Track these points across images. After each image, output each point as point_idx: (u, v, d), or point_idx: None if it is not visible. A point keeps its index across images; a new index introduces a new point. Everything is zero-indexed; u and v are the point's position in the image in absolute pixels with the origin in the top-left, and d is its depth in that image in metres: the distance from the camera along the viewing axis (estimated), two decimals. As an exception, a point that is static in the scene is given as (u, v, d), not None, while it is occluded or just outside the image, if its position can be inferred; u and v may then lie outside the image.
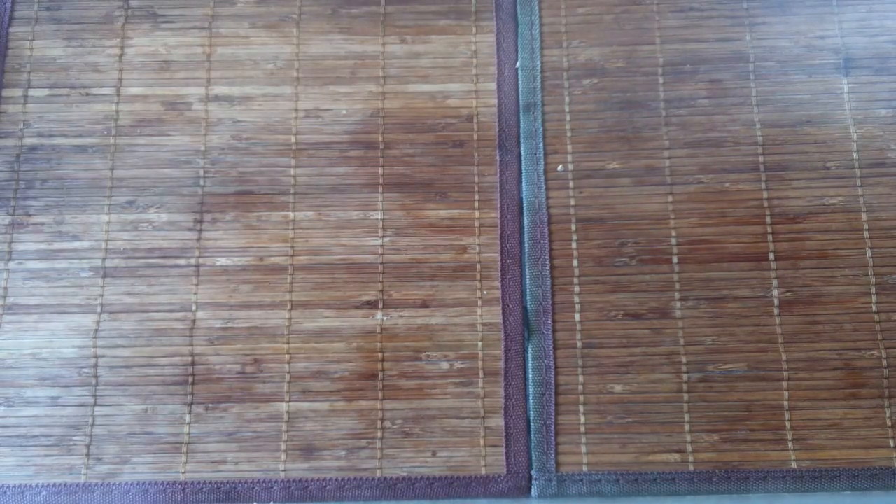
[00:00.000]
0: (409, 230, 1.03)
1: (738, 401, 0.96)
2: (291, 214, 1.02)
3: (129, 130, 1.06)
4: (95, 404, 0.96)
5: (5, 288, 1.00)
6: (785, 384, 0.97)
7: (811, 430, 0.96)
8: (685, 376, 0.97)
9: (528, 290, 1.00)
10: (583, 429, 0.96)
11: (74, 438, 0.95)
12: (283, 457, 0.94)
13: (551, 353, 0.98)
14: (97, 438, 0.95)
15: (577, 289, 1.00)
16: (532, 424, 0.96)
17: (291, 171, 1.05)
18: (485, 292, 1.00)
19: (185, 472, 0.94)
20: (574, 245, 1.02)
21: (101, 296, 1.00)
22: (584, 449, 0.95)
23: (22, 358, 0.98)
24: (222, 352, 0.97)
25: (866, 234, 1.01)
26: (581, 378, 0.98)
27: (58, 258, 1.01)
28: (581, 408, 0.97)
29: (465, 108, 1.07)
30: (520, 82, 1.08)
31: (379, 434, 0.95)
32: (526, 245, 1.02)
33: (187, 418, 0.95)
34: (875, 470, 0.94)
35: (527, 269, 1.01)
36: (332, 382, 0.96)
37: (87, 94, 1.07)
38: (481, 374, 0.97)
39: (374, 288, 1.00)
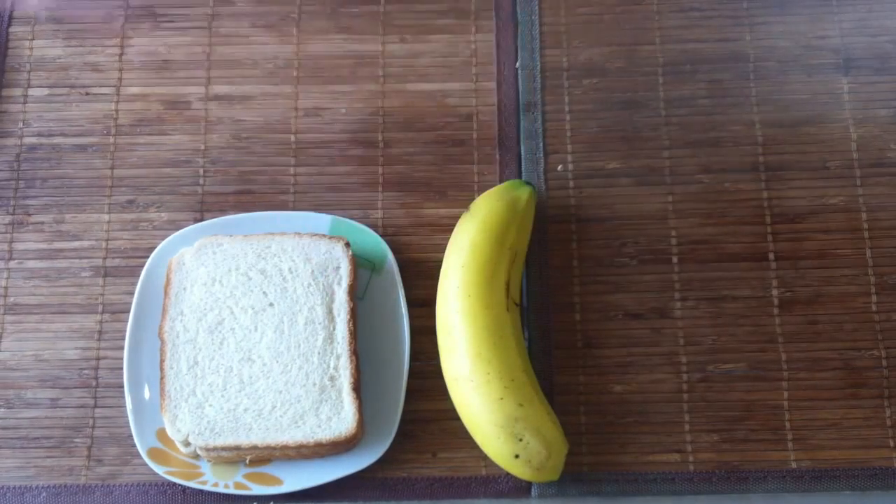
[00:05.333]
0: (408, 229, 1.03)
1: (738, 401, 0.96)
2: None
3: (128, 130, 1.06)
4: (96, 406, 0.96)
5: (6, 287, 1.00)
6: (785, 384, 0.97)
7: (811, 430, 0.96)
8: (685, 376, 0.97)
9: (527, 291, 1.00)
10: (583, 429, 0.96)
11: (75, 440, 0.95)
12: (283, 458, 0.94)
13: (551, 353, 0.98)
14: (98, 440, 0.95)
15: (577, 289, 1.00)
16: (532, 425, 0.96)
17: (291, 171, 1.05)
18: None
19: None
20: (574, 245, 1.02)
21: (102, 295, 1.00)
22: (584, 449, 0.95)
23: (24, 359, 0.98)
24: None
25: (866, 234, 1.01)
26: (581, 378, 0.98)
27: (58, 258, 1.01)
28: (581, 408, 0.97)
29: (465, 108, 1.07)
30: (520, 82, 1.08)
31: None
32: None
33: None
34: (875, 470, 0.94)
35: (527, 270, 1.01)
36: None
37: (87, 94, 1.07)
38: (481, 375, 0.97)
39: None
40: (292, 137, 1.06)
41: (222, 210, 1.03)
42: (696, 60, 1.08)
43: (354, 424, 0.90)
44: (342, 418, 0.91)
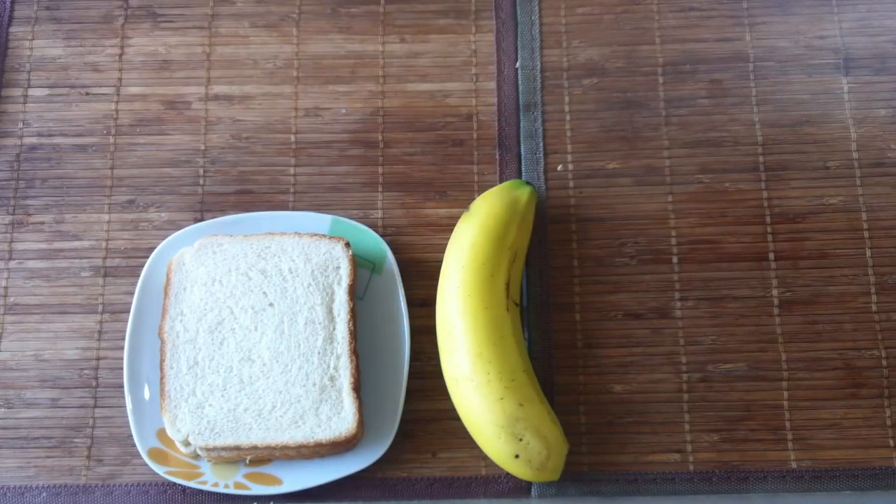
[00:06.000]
0: (408, 229, 1.03)
1: (738, 401, 0.96)
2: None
3: (128, 130, 1.06)
4: (96, 406, 0.97)
5: (6, 287, 1.00)
6: (785, 384, 0.97)
7: (811, 430, 0.96)
8: (685, 376, 0.97)
9: (527, 291, 1.00)
10: (583, 429, 0.96)
11: (75, 440, 0.95)
12: (283, 458, 0.94)
13: (551, 353, 0.98)
14: (98, 440, 0.95)
15: (577, 289, 1.00)
16: (532, 424, 0.96)
17: (291, 171, 1.05)
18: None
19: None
20: (574, 245, 1.02)
21: (102, 295, 1.00)
22: (584, 449, 0.95)
23: (24, 359, 0.98)
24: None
25: (866, 234, 1.01)
26: (581, 378, 0.98)
27: (58, 258, 1.01)
28: (581, 408, 0.97)
29: (465, 108, 1.07)
30: (519, 82, 1.08)
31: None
32: (526, 245, 1.02)
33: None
34: (875, 470, 0.94)
35: (526, 270, 1.01)
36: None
37: (87, 94, 1.07)
38: (481, 374, 0.97)
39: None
40: (292, 137, 1.06)
41: (222, 210, 1.03)
42: (696, 60, 1.08)
43: (354, 424, 0.90)
44: (342, 418, 0.91)
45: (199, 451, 0.91)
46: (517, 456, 0.88)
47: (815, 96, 1.06)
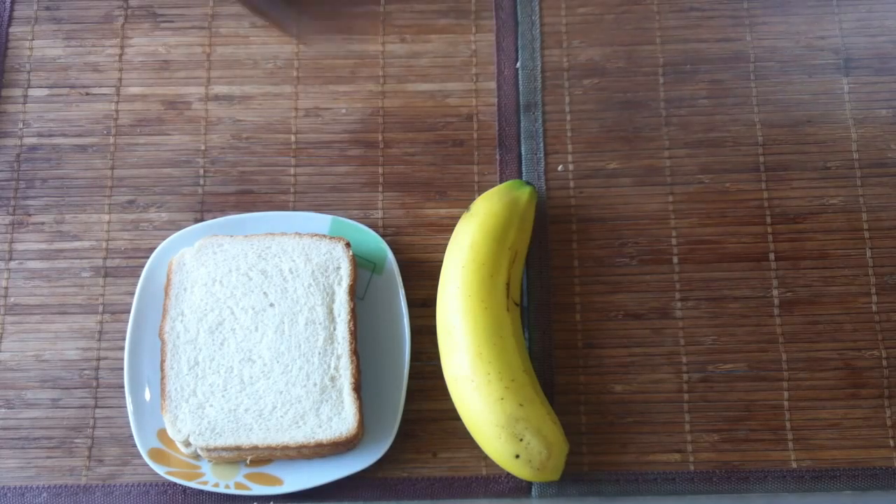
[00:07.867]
0: (408, 229, 1.03)
1: (739, 401, 0.96)
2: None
3: (128, 130, 1.06)
4: (96, 406, 0.97)
5: (6, 288, 1.00)
6: (785, 384, 0.97)
7: (811, 430, 0.96)
8: (685, 376, 0.97)
9: (528, 291, 1.00)
10: (583, 429, 0.96)
11: (76, 440, 0.95)
12: (284, 458, 0.94)
13: (551, 353, 0.98)
14: (98, 441, 0.95)
15: (577, 289, 1.00)
16: (533, 425, 0.96)
17: (291, 171, 1.05)
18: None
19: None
20: (574, 245, 1.02)
21: (103, 296, 1.00)
22: (584, 449, 0.95)
23: (24, 360, 0.98)
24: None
25: (866, 234, 1.01)
26: (581, 378, 0.98)
27: (58, 258, 1.01)
28: (581, 408, 0.97)
29: (465, 108, 1.07)
30: (520, 82, 1.08)
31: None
32: (526, 245, 1.02)
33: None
34: (875, 470, 0.94)
35: (527, 270, 1.01)
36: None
37: (87, 94, 1.07)
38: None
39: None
40: (292, 137, 1.06)
41: (222, 210, 1.03)
42: (696, 60, 1.08)
43: (355, 424, 0.90)
44: (343, 418, 0.91)
45: (199, 452, 0.91)
46: (517, 456, 0.88)
47: (816, 96, 1.06)
